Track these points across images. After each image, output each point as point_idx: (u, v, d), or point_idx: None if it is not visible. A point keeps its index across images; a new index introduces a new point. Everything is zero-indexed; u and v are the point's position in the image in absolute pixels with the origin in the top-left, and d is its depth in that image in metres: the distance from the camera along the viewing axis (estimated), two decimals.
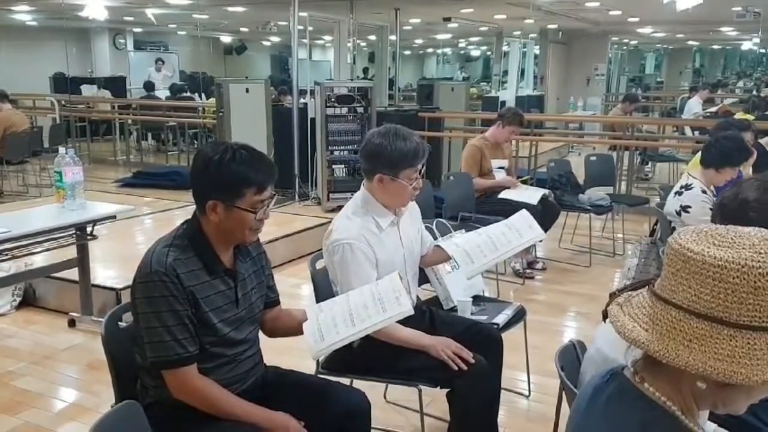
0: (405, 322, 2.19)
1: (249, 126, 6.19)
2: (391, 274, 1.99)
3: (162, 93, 11.79)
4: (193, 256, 1.72)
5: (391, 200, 2.27)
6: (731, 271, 0.89)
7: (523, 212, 2.59)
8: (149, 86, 11.87)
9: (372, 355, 2.19)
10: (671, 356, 0.92)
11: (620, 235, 5.45)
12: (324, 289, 2.31)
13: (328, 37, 13.06)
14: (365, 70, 15.09)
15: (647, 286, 1.02)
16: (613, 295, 1.06)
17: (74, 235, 3.61)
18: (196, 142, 10.06)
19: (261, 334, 1.96)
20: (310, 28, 7.67)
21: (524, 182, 5.23)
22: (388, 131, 2.21)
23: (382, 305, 1.84)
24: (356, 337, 1.84)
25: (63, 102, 9.96)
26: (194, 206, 1.79)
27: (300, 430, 1.73)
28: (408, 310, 1.85)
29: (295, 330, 1.94)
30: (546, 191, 4.74)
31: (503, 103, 10.77)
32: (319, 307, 1.94)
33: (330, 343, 1.82)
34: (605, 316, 1.04)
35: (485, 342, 2.34)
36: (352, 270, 2.15)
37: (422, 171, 2.28)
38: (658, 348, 0.94)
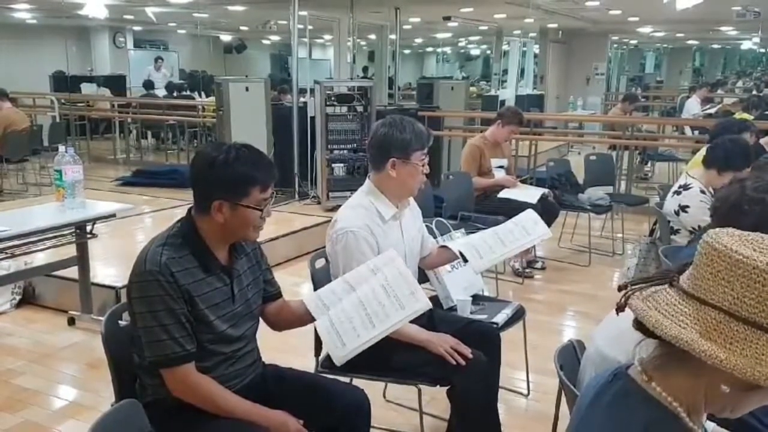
0: None
1: (249, 125, 6.19)
2: (396, 262, 1.96)
3: (161, 92, 11.79)
4: (188, 254, 1.72)
5: (402, 186, 2.31)
6: None
7: (529, 211, 2.63)
8: (149, 85, 11.86)
9: (372, 351, 2.20)
10: (718, 358, 0.90)
11: (620, 235, 5.45)
12: None
13: (328, 36, 13.05)
14: (365, 69, 15.09)
15: (669, 283, 1.00)
16: (623, 288, 1.02)
17: (74, 234, 3.62)
18: (195, 140, 10.06)
19: (260, 331, 1.97)
20: (310, 27, 7.68)
21: (524, 181, 5.24)
22: (392, 120, 2.30)
23: (399, 302, 1.83)
24: (378, 338, 1.82)
25: (63, 100, 9.96)
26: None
27: (299, 429, 1.73)
28: (426, 304, 1.85)
29: (296, 322, 1.96)
30: (545, 190, 4.74)
31: (503, 102, 10.77)
32: (321, 301, 1.92)
33: (353, 348, 1.81)
34: (621, 308, 1.01)
35: (483, 340, 2.35)
36: (356, 258, 2.18)
37: (427, 159, 2.33)
38: (704, 348, 0.91)
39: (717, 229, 0.98)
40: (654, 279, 1.02)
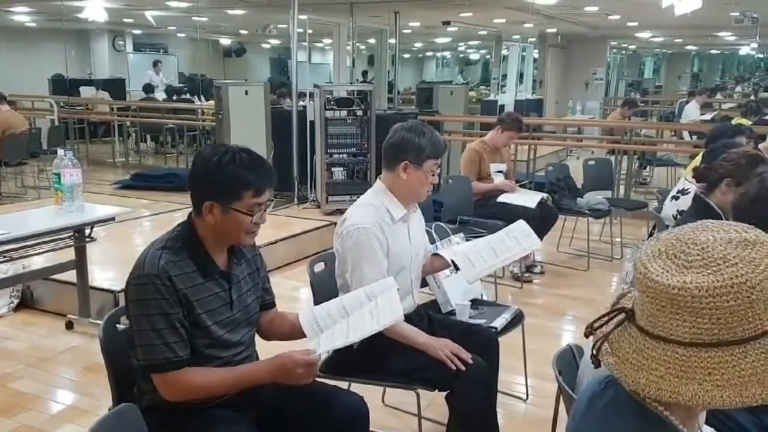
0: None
1: (248, 128, 6.19)
2: (391, 292, 1.95)
3: (160, 95, 11.78)
4: (186, 258, 1.71)
5: (410, 191, 2.33)
6: (724, 296, 0.87)
7: (521, 222, 2.66)
8: (149, 89, 11.86)
9: (371, 355, 2.20)
10: (706, 400, 0.89)
11: (618, 239, 5.46)
12: (322, 293, 2.31)
13: (327, 40, 13.07)
14: (364, 73, 15.09)
15: (627, 321, 0.98)
16: (589, 334, 1.01)
17: (72, 237, 3.61)
18: (195, 144, 10.06)
19: (257, 336, 1.96)
20: (310, 31, 7.68)
21: (523, 186, 5.24)
22: (413, 125, 2.33)
23: (377, 319, 1.84)
24: (342, 346, 1.82)
25: (62, 103, 9.95)
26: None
27: (306, 361, 1.70)
28: (399, 316, 1.84)
29: (288, 335, 1.95)
30: (544, 195, 4.75)
31: (502, 107, 10.78)
32: (316, 322, 1.90)
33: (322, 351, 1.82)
34: (596, 363, 0.99)
35: (482, 344, 2.35)
36: (366, 255, 2.19)
37: (439, 170, 2.36)
38: (688, 396, 0.90)
39: (641, 255, 0.95)
40: (611, 314, 1.00)
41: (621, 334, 0.98)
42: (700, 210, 2.43)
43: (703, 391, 0.89)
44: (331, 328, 1.86)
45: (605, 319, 1.00)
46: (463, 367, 2.12)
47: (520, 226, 2.63)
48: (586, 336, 1.01)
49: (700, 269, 0.89)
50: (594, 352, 0.99)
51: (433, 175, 2.32)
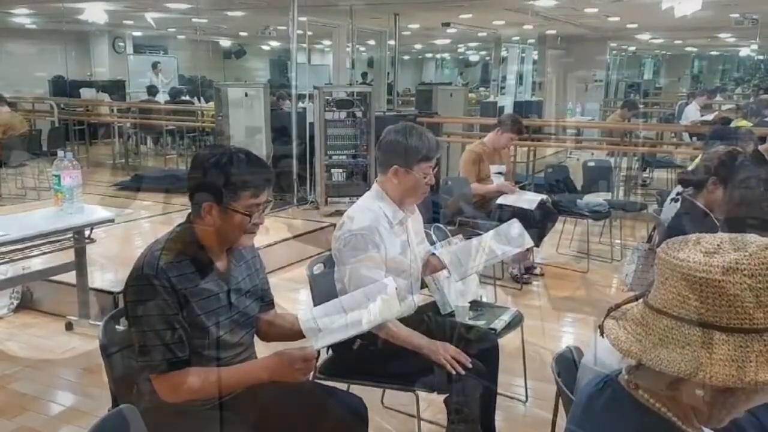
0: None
1: (248, 130, 6.20)
2: (389, 289, 1.96)
3: (161, 97, 11.79)
4: (186, 259, 1.71)
5: (404, 194, 2.32)
6: (716, 274, 0.89)
7: (514, 221, 2.65)
8: (152, 90, 11.86)
9: (370, 358, 2.20)
10: (664, 364, 0.92)
11: (618, 241, 5.46)
12: (322, 295, 2.31)
13: (327, 42, 13.09)
14: (364, 75, 15.11)
15: (642, 299, 1.02)
16: (610, 310, 1.06)
17: (72, 239, 3.61)
18: (194, 145, 10.07)
19: (256, 338, 1.96)
20: (310, 33, 7.70)
21: (522, 188, 5.23)
22: (405, 127, 2.31)
23: (375, 316, 1.85)
24: (339, 340, 1.83)
25: (62, 105, 9.96)
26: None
27: (303, 357, 1.70)
28: (396, 314, 1.86)
29: (287, 336, 1.95)
30: (544, 196, 4.74)
31: (501, 108, 10.80)
32: (316, 323, 1.90)
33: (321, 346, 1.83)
34: (602, 331, 1.03)
35: (481, 346, 2.35)
36: (363, 262, 2.18)
37: (436, 169, 2.35)
38: (651, 357, 0.94)
39: (674, 238, 0.99)
40: (634, 298, 1.05)
41: (631, 309, 1.04)
42: (689, 211, 2.47)
43: (665, 356, 0.92)
44: (329, 327, 1.87)
45: (627, 302, 1.06)
46: (462, 372, 2.11)
47: (512, 225, 2.62)
48: (608, 311, 1.06)
49: (710, 253, 0.92)
50: (603, 321, 1.04)
51: (426, 176, 2.30)
